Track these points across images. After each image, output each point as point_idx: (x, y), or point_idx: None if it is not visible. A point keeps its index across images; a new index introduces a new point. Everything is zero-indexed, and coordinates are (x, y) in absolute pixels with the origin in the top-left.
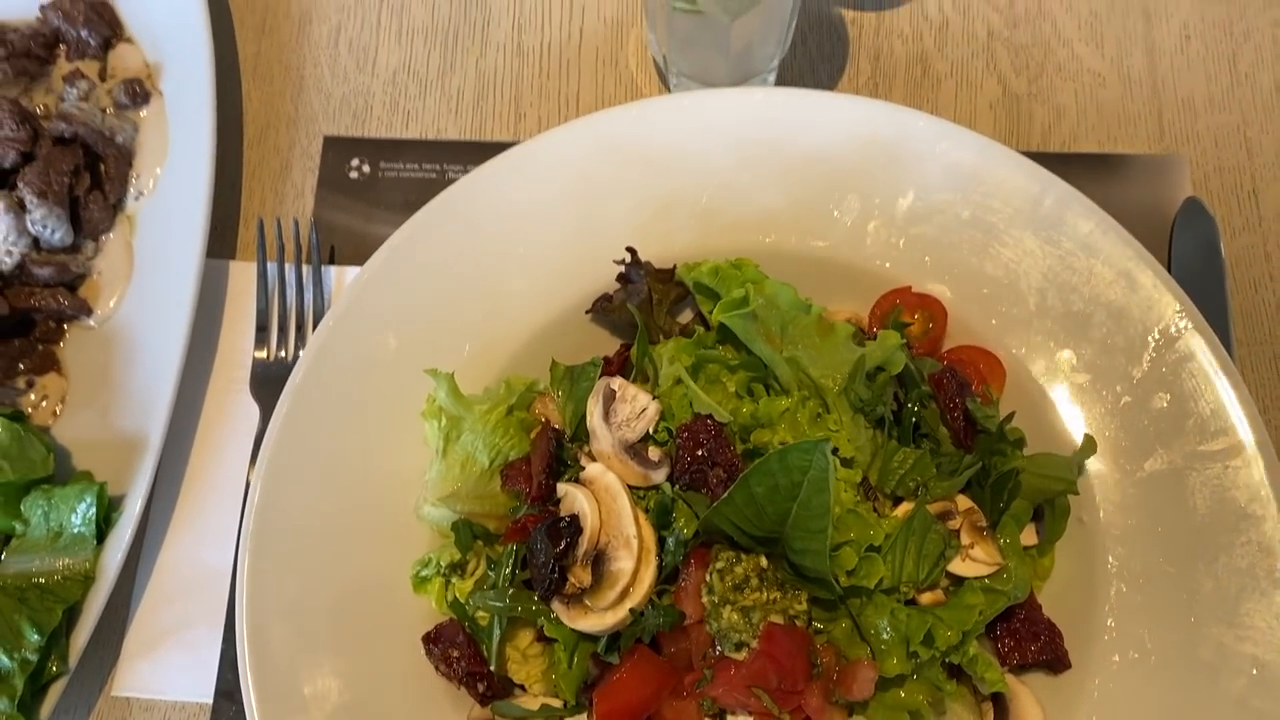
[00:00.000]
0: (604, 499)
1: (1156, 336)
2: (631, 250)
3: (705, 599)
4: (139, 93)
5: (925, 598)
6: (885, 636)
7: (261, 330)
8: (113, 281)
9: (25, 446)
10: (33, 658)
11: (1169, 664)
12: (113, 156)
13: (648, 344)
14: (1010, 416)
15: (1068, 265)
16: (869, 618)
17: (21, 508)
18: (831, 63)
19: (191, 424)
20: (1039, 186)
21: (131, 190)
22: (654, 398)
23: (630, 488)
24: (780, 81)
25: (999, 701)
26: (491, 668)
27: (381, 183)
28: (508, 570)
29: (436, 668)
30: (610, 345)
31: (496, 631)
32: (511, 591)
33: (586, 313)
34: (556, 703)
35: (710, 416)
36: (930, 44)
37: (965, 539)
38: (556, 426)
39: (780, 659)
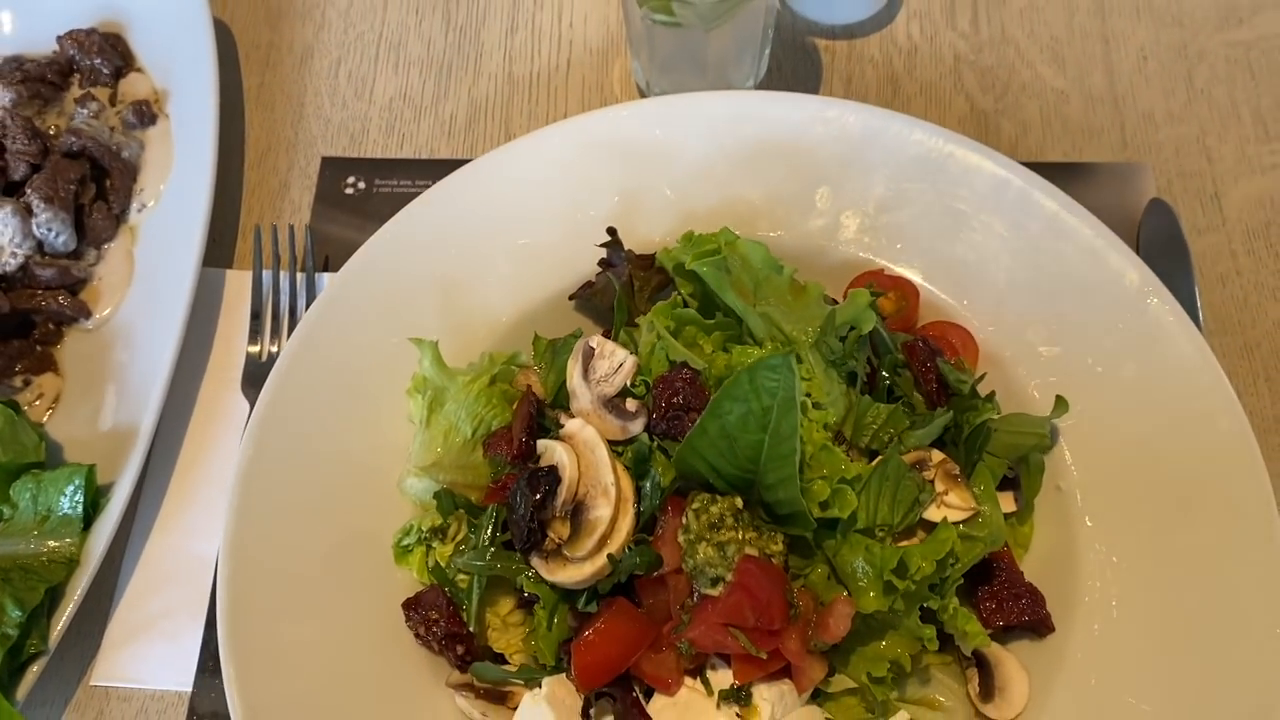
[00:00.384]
0: (583, 452)
1: (1124, 308)
2: (612, 230)
3: (681, 538)
4: (146, 114)
5: (901, 544)
6: (861, 575)
7: (255, 328)
8: (112, 287)
9: (18, 431)
10: (12, 633)
11: (1150, 623)
12: (118, 170)
13: (626, 319)
14: (982, 377)
15: (1035, 246)
16: (844, 558)
17: (10, 492)
18: (806, 85)
19: (183, 420)
20: (1005, 173)
21: (135, 203)
22: (632, 353)
23: (610, 444)
24: None
25: (983, 667)
26: (470, 629)
27: (376, 198)
28: (488, 532)
29: (416, 633)
30: (593, 332)
31: (476, 592)
32: (492, 550)
33: (570, 298)
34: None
35: (686, 364)
36: (900, 67)
37: (940, 486)
38: (538, 395)
39: (755, 591)
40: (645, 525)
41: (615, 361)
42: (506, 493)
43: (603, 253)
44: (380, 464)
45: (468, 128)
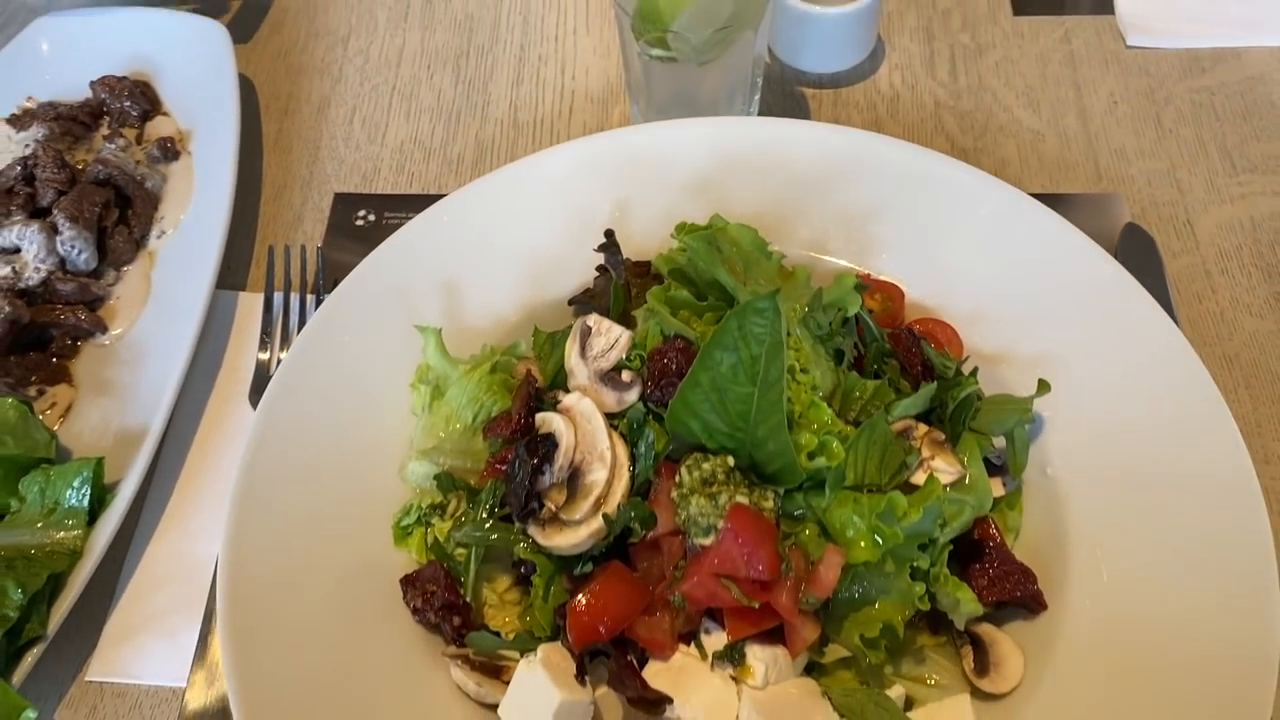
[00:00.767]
0: (579, 422)
1: (1101, 302)
2: (609, 233)
3: (675, 493)
4: (170, 150)
5: None
6: (850, 526)
7: (265, 340)
8: (129, 306)
9: (30, 427)
10: (12, 614)
11: (1140, 598)
12: (141, 198)
13: (621, 316)
14: (966, 359)
15: (1016, 252)
16: (833, 513)
17: (20, 485)
18: None
19: (191, 427)
20: (982, 183)
21: (155, 229)
22: (628, 330)
23: (607, 417)
24: None
25: (978, 645)
26: (467, 599)
27: (385, 229)
28: (486, 506)
29: (413, 607)
30: None
31: (473, 565)
32: (489, 523)
33: (570, 303)
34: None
35: (679, 336)
36: (884, 112)
37: (926, 452)
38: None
39: (746, 535)
40: (640, 490)
41: (611, 338)
42: (505, 468)
43: (600, 259)
44: (384, 452)
45: (474, 166)
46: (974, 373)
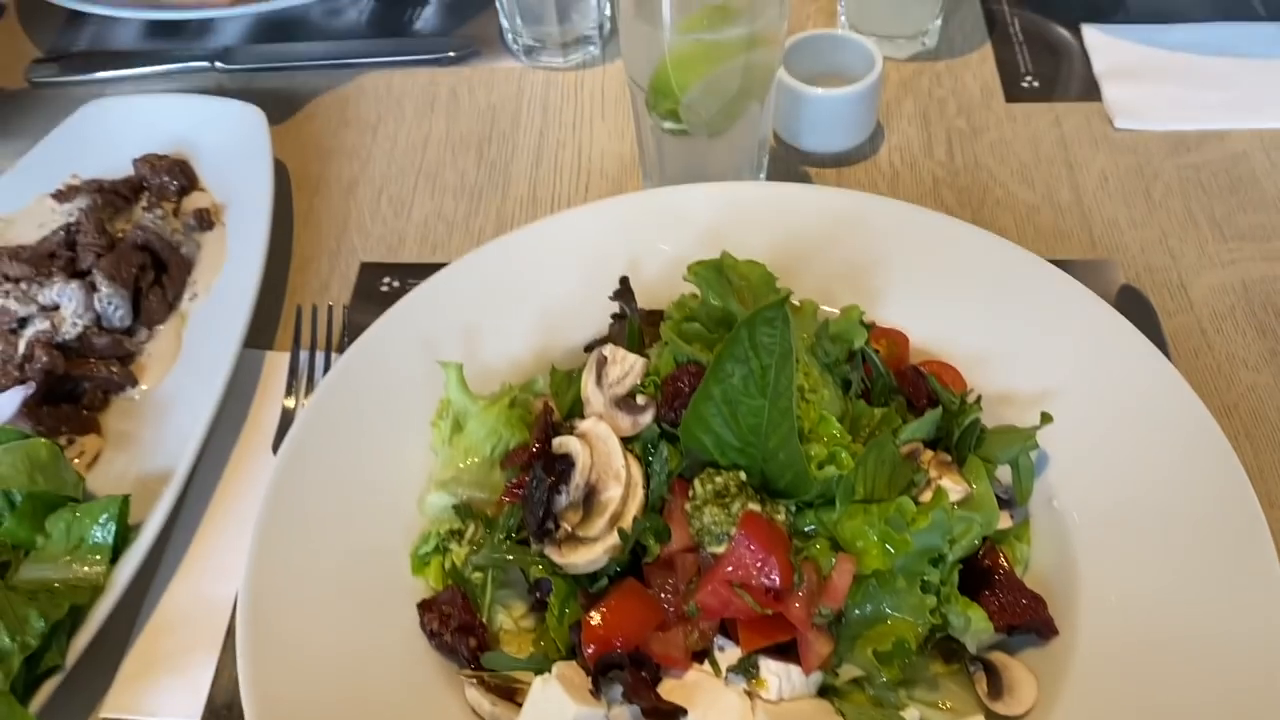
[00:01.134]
0: (595, 444)
1: (1100, 346)
2: (624, 279)
3: (689, 505)
4: (205, 220)
5: None
6: (861, 539)
7: (290, 389)
8: (160, 362)
9: (60, 468)
10: (33, 642)
11: (1150, 623)
12: (176, 263)
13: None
14: (970, 391)
15: (1015, 299)
16: (844, 525)
17: (46, 523)
18: None
19: (215, 475)
20: (982, 237)
21: (188, 292)
22: (642, 356)
23: (622, 440)
24: None
25: (991, 671)
26: (483, 619)
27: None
28: (504, 530)
29: (430, 631)
30: None
31: (490, 588)
32: (506, 545)
33: (586, 349)
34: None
35: (692, 361)
36: (884, 189)
37: (933, 473)
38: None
39: (758, 540)
40: (654, 508)
41: (626, 365)
42: (521, 492)
43: (615, 308)
44: (405, 489)
45: (494, 237)
46: (978, 400)
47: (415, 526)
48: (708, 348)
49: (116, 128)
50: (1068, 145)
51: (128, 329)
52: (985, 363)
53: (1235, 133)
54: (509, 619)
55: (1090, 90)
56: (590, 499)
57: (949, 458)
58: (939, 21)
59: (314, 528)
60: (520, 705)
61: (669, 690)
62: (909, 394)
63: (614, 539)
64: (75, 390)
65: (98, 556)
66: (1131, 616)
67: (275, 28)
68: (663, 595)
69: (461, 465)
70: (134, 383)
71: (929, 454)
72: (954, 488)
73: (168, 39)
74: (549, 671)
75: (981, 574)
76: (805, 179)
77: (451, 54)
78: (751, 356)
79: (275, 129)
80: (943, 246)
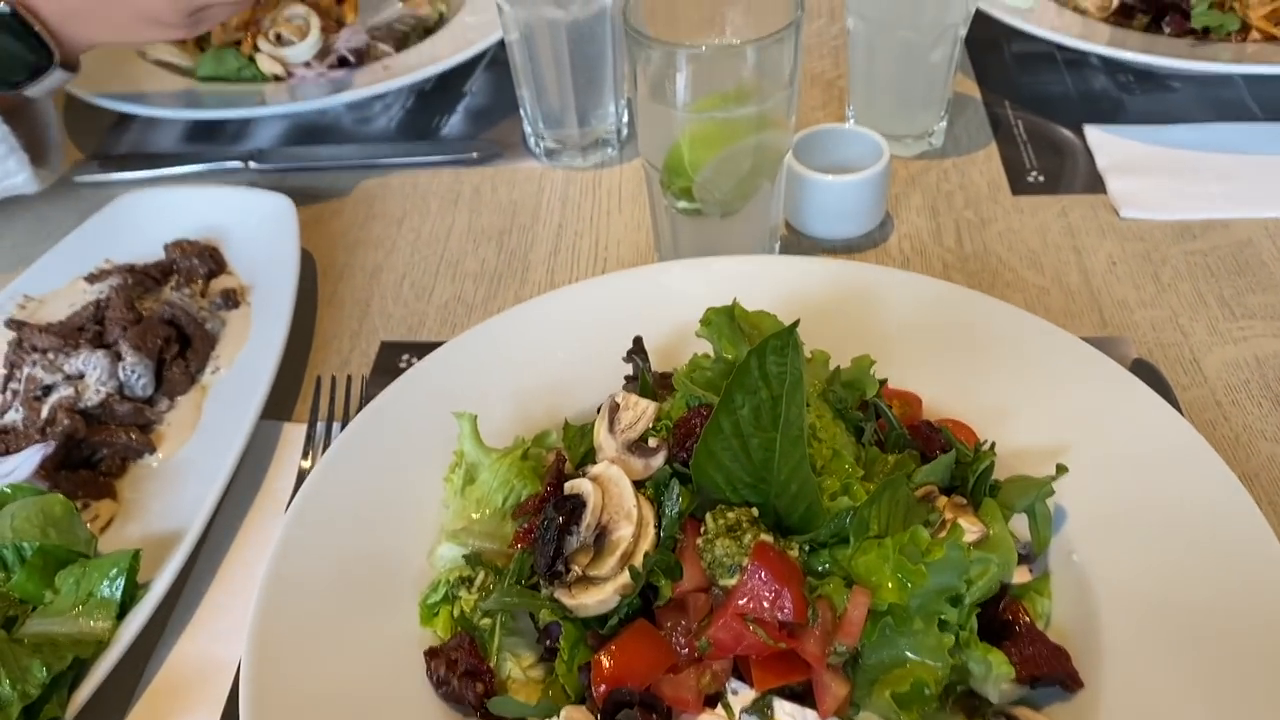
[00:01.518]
0: (607, 485)
1: (1114, 404)
2: (638, 339)
3: (700, 540)
4: (231, 299)
5: None
6: (875, 574)
7: (307, 448)
8: (179, 431)
9: (74, 524)
10: (34, 692)
11: (1176, 674)
12: (200, 338)
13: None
14: (984, 441)
15: (1027, 362)
16: (859, 561)
17: (56, 579)
18: None
19: (227, 539)
20: (993, 304)
21: (210, 366)
22: (654, 401)
23: (634, 484)
24: None
25: None
26: (491, 664)
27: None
28: (514, 575)
29: (436, 679)
30: None
31: (499, 633)
32: (516, 589)
33: (598, 411)
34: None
35: (704, 405)
36: None
37: (948, 514)
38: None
39: (770, 571)
40: (666, 548)
41: (639, 411)
42: (531, 536)
43: (629, 369)
44: (414, 545)
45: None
46: (992, 447)
47: (424, 579)
48: (719, 393)
49: (150, 217)
50: (1075, 233)
51: (149, 398)
52: (999, 423)
53: (1239, 221)
54: (517, 668)
55: (1095, 184)
56: (601, 539)
57: (964, 500)
58: (944, 123)
59: (321, 583)
60: None
61: None
62: (922, 446)
63: (625, 578)
64: (93, 456)
65: (105, 611)
66: (1157, 667)
67: (308, 134)
68: (674, 637)
69: (473, 516)
70: (152, 450)
71: (944, 499)
72: (970, 528)
73: (206, 143)
74: (557, 717)
75: (1002, 626)
76: None
77: (475, 155)
78: (761, 387)
79: (304, 222)
80: (953, 314)
